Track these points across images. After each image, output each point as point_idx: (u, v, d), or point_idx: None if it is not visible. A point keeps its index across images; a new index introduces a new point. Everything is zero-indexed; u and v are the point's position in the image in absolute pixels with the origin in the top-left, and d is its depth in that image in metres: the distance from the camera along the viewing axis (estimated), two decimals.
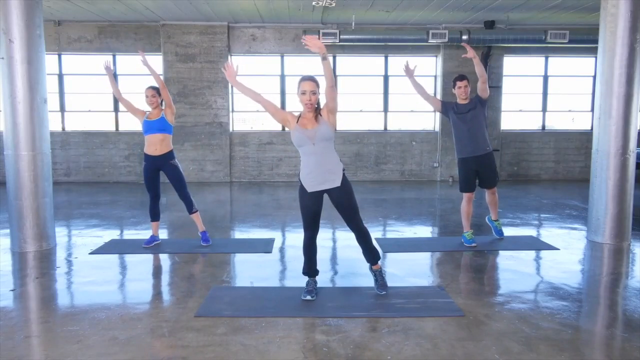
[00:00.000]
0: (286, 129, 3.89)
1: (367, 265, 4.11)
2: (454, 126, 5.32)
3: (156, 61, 10.69)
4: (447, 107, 5.34)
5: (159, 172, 5.38)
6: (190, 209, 5.48)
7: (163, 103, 5.31)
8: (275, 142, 11.00)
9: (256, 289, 4.18)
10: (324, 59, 3.55)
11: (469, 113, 5.19)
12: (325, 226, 6.34)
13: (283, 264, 5.03)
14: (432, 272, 4.77)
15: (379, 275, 4.05)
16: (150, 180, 5.36)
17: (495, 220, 5.69)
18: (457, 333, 3.28)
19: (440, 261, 5.08)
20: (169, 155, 5.33)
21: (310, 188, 3.78)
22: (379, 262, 4.08)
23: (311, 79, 3.73)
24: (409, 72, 5.24)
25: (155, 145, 5.27)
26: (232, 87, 10.85)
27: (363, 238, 3.95)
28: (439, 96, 10.95)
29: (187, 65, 10.58)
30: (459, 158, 5.37)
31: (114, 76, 5.58)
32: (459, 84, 5.22)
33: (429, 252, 5.33)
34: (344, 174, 3.82)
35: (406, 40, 10.39)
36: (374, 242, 4.12)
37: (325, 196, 3.86)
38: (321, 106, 3.81)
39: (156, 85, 5.28)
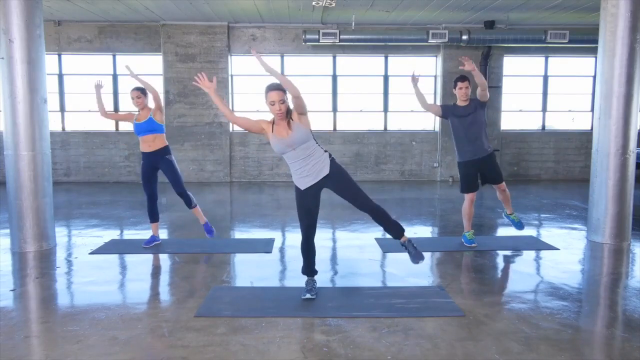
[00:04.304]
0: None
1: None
2: (453, 130, 5.28)
3: (156, 61, 10.72)
4: (447, 111, 5.29)
5: (157, 171, 5.39)
6: (190, 204, 5.48)
7: (150, 102, 5.32)
8: None
9: (256, 289, 4.18)
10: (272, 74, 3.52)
11: (469, 117, 5.15)
12: (325, 226, 6.34)
13: (283, 264, 5.03)
14: (432, 272, 4.76)
15: (409, 246, 3.96)
16: (147, 178, 5.36)
17: (510, 214, 5.61)
18: (457, 333, 3.28)
19: (440, 261, 5.08)
20: (164, 150, 5.35)
21: (304, 186, 3.78)
22: (405, 233, 3.98)
23: (278, 87, 3.65)
24: (414, 80, 5.23)
25: (149, 142, 5.30)
26: (232, 87, 10.88)
27: (379, 216, 3.86)
28: (439, 96, 10.98)
29: (187, 65, 10.58)
30: (460, 161, 5.35)
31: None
32: (460, 84, 5.18)
33: (429, 252, 5.31)
34: (331, 160, 3.80)
35: (406, 40, 10.39)
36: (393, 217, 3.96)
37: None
38: (291, 109, 3.73)
39: (140, 86, 5.27)
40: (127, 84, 10.56)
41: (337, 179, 3.78)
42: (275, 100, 3.63)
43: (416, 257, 3.95)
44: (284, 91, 3.64)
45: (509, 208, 5.60)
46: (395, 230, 3.95)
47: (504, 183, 5.39)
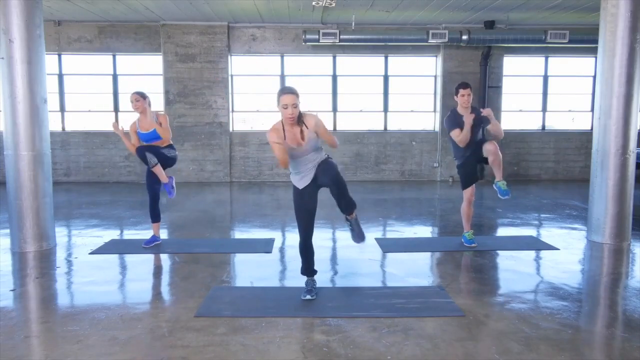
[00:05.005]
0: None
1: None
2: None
3: (156, 61, 10.72)
4: (459, 122, 5.17)
5: None
6: (149, 165, 5.22)
7: (151, 111, 5.30)
8: None
9: (256, 289, 4.18)
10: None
11: (472, 130, 5.12)
12: (325, 226, 6.34)
13: (283, 264, 5.03)
14: (432, 272, 4.77)
15: (355, 224, 3.92)
16: (150, 178, 5.36)
17: (499, 181, 5.21)
18: (457, 333, 3.28)
19: (440, 261, 5.08)
20: (169, 146, 5.38)
21: (302, 185, 3.78)
22: (355, 212, 3.89)
23: (291, 91, 3.58)
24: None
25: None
26: (232, 87, 10.87)
27: (338, 187, 3.68)
28: (438, 96, 11.00)
29: (187, 65, 10.58)
30: (459, 163, 5.32)
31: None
32: (462, 92, 5.13)
33: (429, 252, 5.33)
34: (326, 156, 3.80)
35: (406, 40, 10.39)
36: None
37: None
38: (303, 116, 3.67)
39: (140, 90, 5.28)
40: (127, 84, 10.59)
41: (323, 167, 3.70)
42: (288, 104, 3.55)
43: (358, 237, 3.95)
44: (297, 95, 3.58)
45: (498, 174, 5.21)
46: (348, 206, 3.82)
47: (494, 143, 5.07)
